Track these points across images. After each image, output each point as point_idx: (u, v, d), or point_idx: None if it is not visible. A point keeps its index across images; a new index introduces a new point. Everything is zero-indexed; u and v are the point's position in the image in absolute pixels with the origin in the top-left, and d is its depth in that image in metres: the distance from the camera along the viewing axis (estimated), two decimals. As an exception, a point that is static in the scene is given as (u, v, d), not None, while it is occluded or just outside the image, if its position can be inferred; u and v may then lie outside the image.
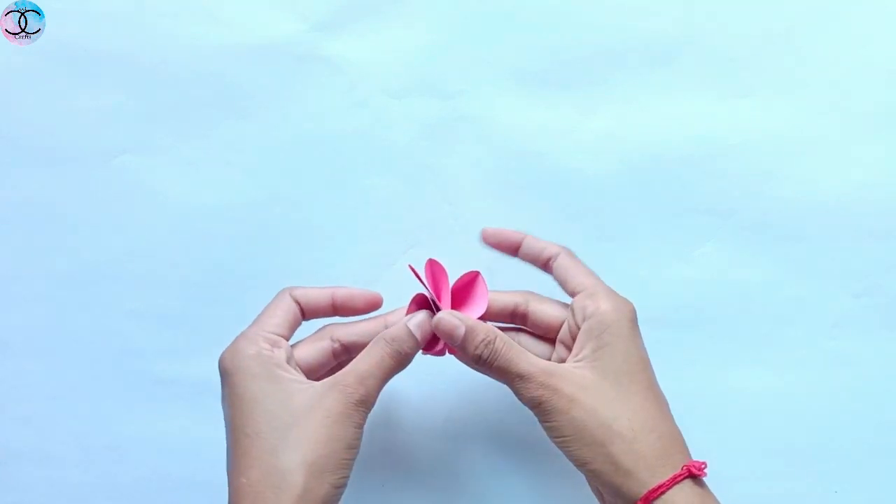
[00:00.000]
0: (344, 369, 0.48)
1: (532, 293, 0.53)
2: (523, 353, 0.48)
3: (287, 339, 0.50)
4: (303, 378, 0.48)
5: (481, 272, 0.51)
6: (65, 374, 0.60)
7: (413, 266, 0.50)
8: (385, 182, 0.60)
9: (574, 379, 0.47)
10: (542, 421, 0.48)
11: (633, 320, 0.50)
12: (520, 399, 0.48)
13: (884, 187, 0.59)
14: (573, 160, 0.60)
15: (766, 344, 0.59)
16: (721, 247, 0.59)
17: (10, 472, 0.59)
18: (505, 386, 0.49)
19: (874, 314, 0.59)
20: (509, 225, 0.59)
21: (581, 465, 0.47)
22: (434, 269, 0.50)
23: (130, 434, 0.59)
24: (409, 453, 0.59)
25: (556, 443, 0.48)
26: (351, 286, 0.52)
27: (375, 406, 0.48)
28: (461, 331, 0.48)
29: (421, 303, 0.50)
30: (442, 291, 0.50)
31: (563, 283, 0.52)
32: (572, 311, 0.50)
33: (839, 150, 0.59)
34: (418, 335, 0.49)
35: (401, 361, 0.48)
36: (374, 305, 0.52)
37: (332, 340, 0.51)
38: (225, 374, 0.48)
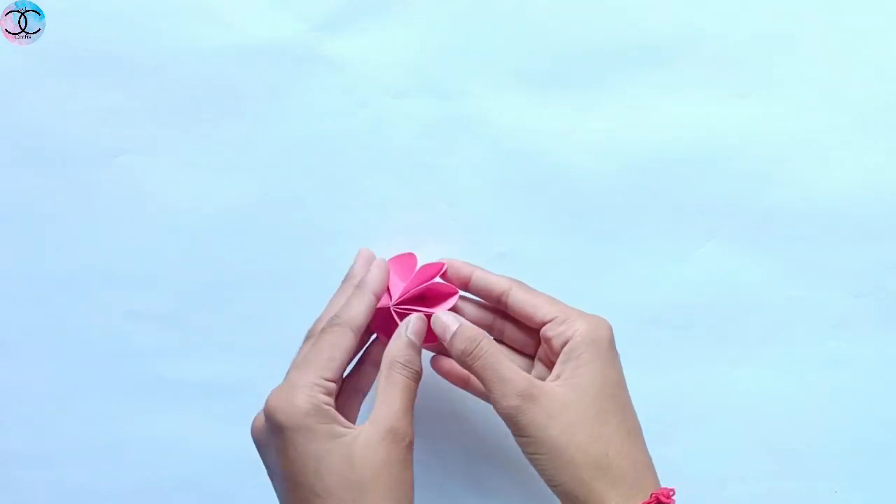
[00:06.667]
0: (382, 413, 0.47)
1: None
2: (509, 361, 0.48)
3: (341, 379, 0.49)
4: (351, 425, 0.47)
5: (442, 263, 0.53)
6: (65, 374, 0.60)
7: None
8: (385, 182, 0.60)
9: (554, 395, 0.47)
10: (517, 434, 0.47)
11: (611, 340, 0.50)
12: (498, 408, 0.48)
13: (884, 187, 0.59)
14: (573, 160, 0.60)
15: (766, 344, 0.59)
16: (721, 247, 0.59)
17: (10, 472, 0.59)
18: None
19: (874, 314, 0.59)
20: (509, 225, 0.59)
21: (554, 485, 0.47)
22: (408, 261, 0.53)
23: (130, 434, 0.59)
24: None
25: (530, 459, 0.47)
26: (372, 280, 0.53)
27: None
28: (454, 327, 0.49)
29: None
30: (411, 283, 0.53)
31: (527, 317, 0.52)
32: (547, 340, 0.50)
33: (839, 151, 0.59)
34: (418, 342, 0.50)
35: (420, 377, 0.49)
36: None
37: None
38: (279, 428, 0.46)
